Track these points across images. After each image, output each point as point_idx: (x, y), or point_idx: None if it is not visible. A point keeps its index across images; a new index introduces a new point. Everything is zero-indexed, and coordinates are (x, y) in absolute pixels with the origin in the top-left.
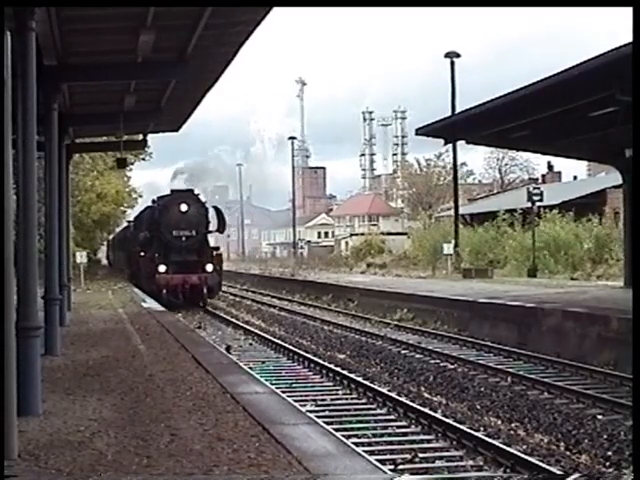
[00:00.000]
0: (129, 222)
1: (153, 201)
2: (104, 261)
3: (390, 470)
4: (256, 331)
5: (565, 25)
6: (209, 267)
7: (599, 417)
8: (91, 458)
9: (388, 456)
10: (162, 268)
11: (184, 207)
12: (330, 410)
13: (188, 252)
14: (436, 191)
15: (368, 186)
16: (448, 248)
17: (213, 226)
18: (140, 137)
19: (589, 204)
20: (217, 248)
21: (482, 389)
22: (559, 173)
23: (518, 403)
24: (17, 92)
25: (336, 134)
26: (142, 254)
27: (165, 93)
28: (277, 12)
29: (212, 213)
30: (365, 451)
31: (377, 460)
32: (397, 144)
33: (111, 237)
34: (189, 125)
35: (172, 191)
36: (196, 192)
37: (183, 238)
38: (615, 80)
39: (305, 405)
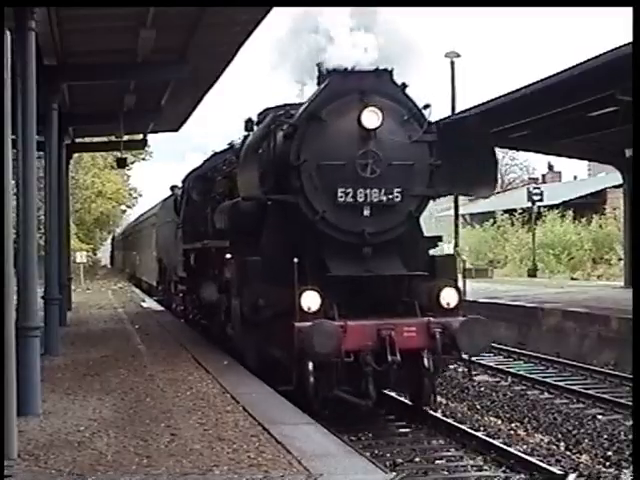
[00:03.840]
0: (174, 188)
1: (249, 125)
2: (104, 261)
3: (390, 470)
4: None
5: (565, 26)
6: (449, 295)
7: (599, 417)
8: (91, 458)
9: (388, 456)
10: (312, 300)
11: (371, 120)
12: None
13: (380, 252)
14: None
15: None
16: (448, 248)
17: (443, 179)
18: (140, 137)
19: (589, 204)
20: (439, 238)
21: (482, 389)
22: (559, 173)
23: (518, 403)
24: (17, 92)
25: None
26: (229, 257)
27: (165, 93)
28: (277, 12)
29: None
30: (365, 450)
31: (377, 460)
32: None
33: (118, 231)
34: (191, 125)
35: (330, 74)
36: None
37: (366, 211)
38: (615, 80)
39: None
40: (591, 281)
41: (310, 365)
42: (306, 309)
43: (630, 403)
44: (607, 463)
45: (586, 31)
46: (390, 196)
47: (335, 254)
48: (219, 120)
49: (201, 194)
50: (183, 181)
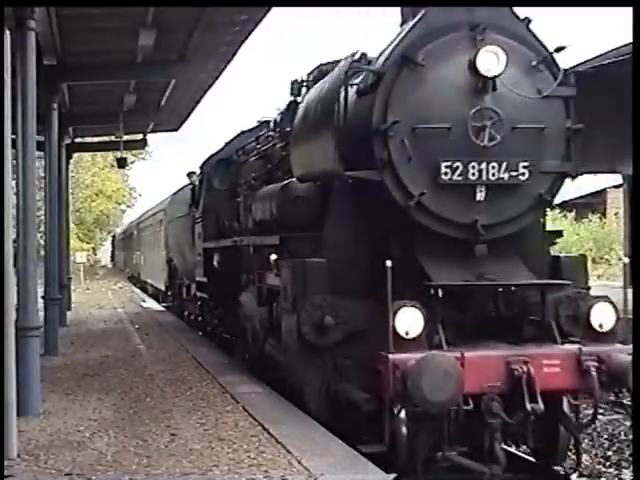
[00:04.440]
0: (191, 175)
1: (295, 86)
2: (104, 261)
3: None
4: None
5: (565, 26)
6: (603, 314)
7: (599, 417)
8: (91, 458)
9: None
10: (412, 320)
11: (490, 64)
12: None
13: (496, 252)
14: None
15: None
16: None
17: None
18: (140, 137)
19: (589, 204)
20: (559, 233)
21: None
22: None
23: None
24: (17, 92)
25: None
26: (275, 258)
27: (165, 93)
28: (277, 12)
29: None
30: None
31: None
32: None
33: (119, 230)
34: (191, 125)
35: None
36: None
37: (479, 194)
38: None
39: None
40: (591, 281)
41: (402, 413)
42: (403, 334)
43: (630, 403)
44: (607, 463)
45: (586, 31)
46: (514, 173)
47: (435, 254)
48: (219, 120)
49: (226, 181)
50: (201, 167)
